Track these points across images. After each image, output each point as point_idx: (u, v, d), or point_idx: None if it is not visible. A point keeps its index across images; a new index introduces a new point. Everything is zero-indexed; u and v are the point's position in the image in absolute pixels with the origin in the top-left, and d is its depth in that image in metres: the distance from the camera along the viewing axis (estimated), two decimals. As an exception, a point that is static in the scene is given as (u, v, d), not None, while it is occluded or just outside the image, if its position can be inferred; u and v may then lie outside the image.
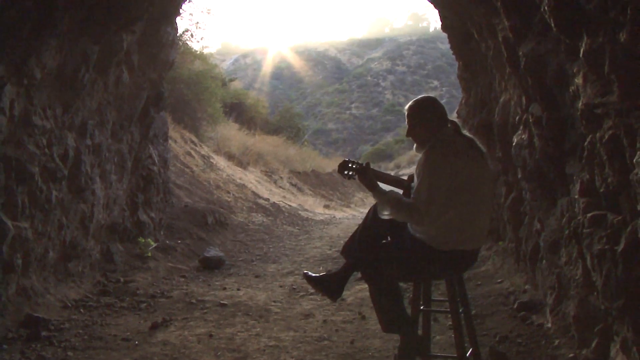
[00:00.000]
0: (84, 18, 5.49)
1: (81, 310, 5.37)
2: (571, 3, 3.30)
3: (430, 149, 3.23)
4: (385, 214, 3.35)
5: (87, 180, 6.08)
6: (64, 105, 5.58)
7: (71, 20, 5.30)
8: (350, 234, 3.78)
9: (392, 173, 3.72)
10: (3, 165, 4.74)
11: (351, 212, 18.57)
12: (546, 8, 3.56)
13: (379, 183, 3.49)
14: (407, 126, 3.50)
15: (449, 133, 3.35)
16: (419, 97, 3.55)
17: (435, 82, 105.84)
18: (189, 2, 11.20)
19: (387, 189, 3.43)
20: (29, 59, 4.89)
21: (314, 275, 3.71)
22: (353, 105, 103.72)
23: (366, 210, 12.95)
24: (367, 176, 3.45)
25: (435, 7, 7.08)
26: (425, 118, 3.38)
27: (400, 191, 3.59)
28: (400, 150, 60.28)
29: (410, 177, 3.59)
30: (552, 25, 3.57)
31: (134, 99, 7.22)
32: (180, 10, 7.78)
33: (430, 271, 3.42)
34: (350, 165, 3.57)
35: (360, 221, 11.57)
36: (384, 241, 3.58)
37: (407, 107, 3.50)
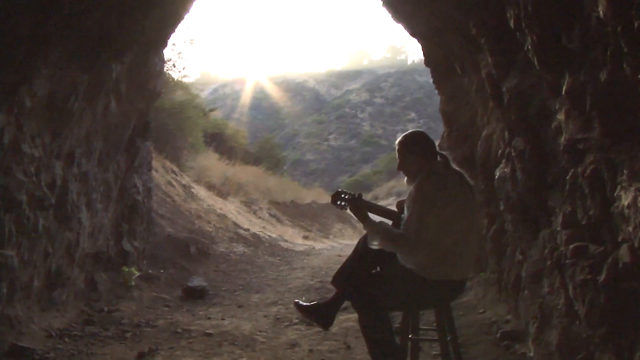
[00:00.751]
0: (75, 47, 5.56)
1: (66, 339, 5.34)
2: (554, 42, 3.46)
3: (421, 182, 3.34)
4: (375, 244, 3.45)
5: (73, 208, 6.10)
6: (52, 133, 5.62)
7: (63, 49, 5.37)
8: (341, 264, 3.86)
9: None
10: (-9, 193, 4.76)
11: (330, 243, 18.61)
12: (530, 47, 3.73)
13: (369, 214, 3.59)
14: (397, 160, 3.61)
15: (438, 167, 3.47)
16: (409, 131, 3.68)
17: (413, 114, 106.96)
18: (173, 32, 11.31)
19: (377, 220, 3.54)
20: (20, 88, 4.94)
21: (305, 304, 3.78)
22: (331, 136, 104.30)
23: (345, 242, 13.00)
24: (358, 207, 3.56)
25: (419, 42, 7.27)
26: (415, 152, 3.51)
27: (390, 222, 3.70)
28: (378, 182, 60.70)
29: (400, 209, 3.69)
30: (536, 62, 3.74)
31: (121, 128, 7.28)
32: (168, 41, 7.86)
33: (420, 301, 3.52)
34: (343, 195, 3.68)
35: (339, 252, 11.64)
36: (374, 271, 3.67)
37: (397, 141, 3.62)
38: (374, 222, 3.49)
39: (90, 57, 5.89)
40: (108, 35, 5.93)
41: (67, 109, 5.71)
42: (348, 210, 3.71)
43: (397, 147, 3.61)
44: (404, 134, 3.68)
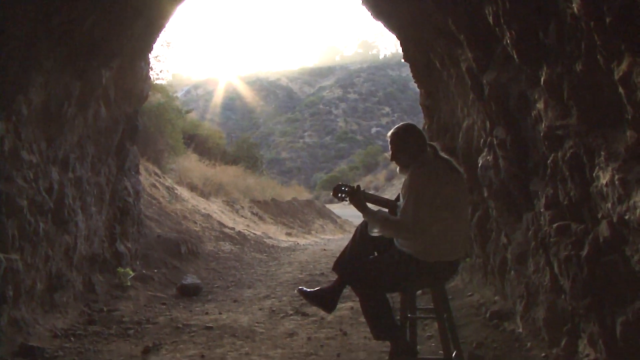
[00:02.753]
0: (67, 55, 5.71)
1: (71, 338, 5.50)
2: (531, 37, 3.73)
3: (413, 172, 3.60)
4: (375, 232, 3.71)
5: (70, 212, 6.25)
6: (48, 139, 5.77)
7: (55, 58, 5.52)
8: (339, 253, 4.09)
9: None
10: (-6, 199, 4.91)
11: (313, 239, 18.84)
12: (508, 41, 3.99)
13: (367, 204, 3.84)
14: (390, 152, 3.86)
15: (429, 156, 3.72)
16: (401, 124, 3.92)
17: (387, 109, 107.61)
18: (158, 37, 11.40)
19: (375, 209, 3.79)
20: (17, 96, 5.09)
21: (309, 290, 4.01)
22: (306, 134, 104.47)
23: (327, 237, 13.29)
24: (358, 198, 3.80)
25: (398, 38, 7.52)
26: (407, 143, 3.75)
27: (387, 210, 3.96)
28: (355, 177, 60.99)
29: (397, 198, 3.94)
30: (515, 56, 4.00)
31: (111, 133, 7.44)
32: (153, 46, 8.02)
33: (417, 281, 3.77)
34: (343, 188, 3.92)
35: (324, 247, 11.92)
36: (372, 256, 3.91)
37: (389, 134, 3.86)
38: (373, 211, 3.75)
39: (82, 65, 6.06)
40: (98, 43, 6.10)
41: (61, 115, 5.87)
42: (348, 202, 3.94)
43: (389, 139, 3.84)
44: (396, 126, 3.92)
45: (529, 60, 3.91)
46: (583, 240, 3.53)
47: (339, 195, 3.94)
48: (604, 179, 3.09)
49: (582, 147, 3.41)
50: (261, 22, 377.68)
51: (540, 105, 3.91)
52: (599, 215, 3.30)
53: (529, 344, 4.52)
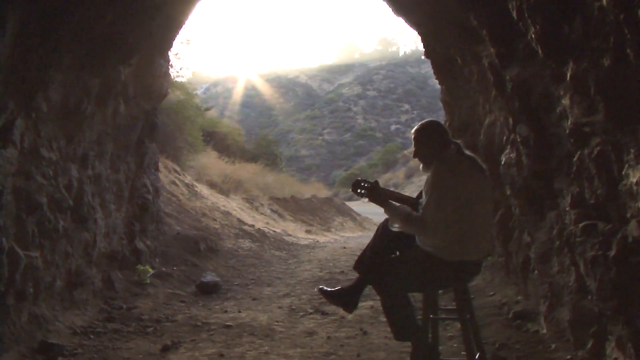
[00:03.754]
0: (85, 53, 5.69)
1: (91, 336, 5.49)
2: (556, 32, 3.63)
3: (437, 169, 3.53)
4: (396, 227, 3.64)
5: (89, 209, 6.25)
6: (67, 137, 5.77)
7: (74, 55, 5.51)
8: (361, 250, 4.03)
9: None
10: (14, 196, 4.89)
11: (332, 237, 18.79)
12: (532, 36, 3.89)
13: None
14: (412, 148, 3.79)
15: (452, 153, 3.65)
16: (424, 121, 3.85)
17: (407, 106, 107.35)
18: (177, 35, 11.39)
19: (396, 205, 3.72)
20: (37, 94, 5.08)
21: (330, 289, 3.96)
22: (325, 131, 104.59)
23: (347, 235, 13.23)
24: (377, 193, 3.74)
25: (419, 34, 7.44)
26: (431, 140, 3.68)
27: (407, 207, 3.88)
28: (374, 175, 60.85)
29: (419, 195, 3.87)
30: (539, 51, 3.90)
31: (130, 130, 7.43)
32: (173, 43, 8.00)
33: (439, 281, 3.69)
34: (362, 184, 3.85)
35: (343, 244, 11.88)
36: (393, 255, 3.84)
37: (413, 130, 3.79)
38: (395, 206, 3.68)
39: (100, 62, 6.03)
40: (116, 39, 6.08)
41: (80, 112, 5.86)
42: (367, 199, 3.87)
43: (413, 136, 3.78)
44: (420, 123, 3.85)
45: (553, 55, 3.81)
46: (610, 240, 3.43)
47: (358, 191, 3.87)
48: (633, 177, 2.99)
49: (610, 144, 3.31)
50: (280, 19, 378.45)
51: (565, 101, 3.82)
52: (628, 215, 3.21)
53: (553, 346, 4.42)
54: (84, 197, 6.13)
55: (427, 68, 8.72)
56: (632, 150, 3.02)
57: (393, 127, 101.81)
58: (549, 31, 3.71)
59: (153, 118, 8.19)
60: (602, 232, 3.54)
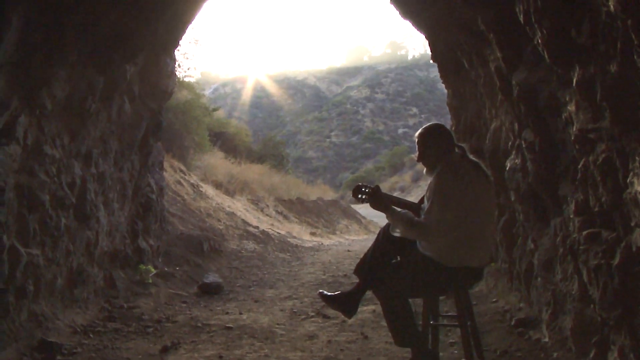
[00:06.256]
0: (90, 50, 5.68)
1: (90, 335, 5.48)
2: (563, 36, 3.58)
3: (440, 173, 3.50)
4: (397, 232, 3.61)
5: (92, 207, 6.24)
6: (71, 134, 5.75)
7: (79, 52, 5.49)
8: (362, 256, 4.00)
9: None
10: (16, 193, 4.88)
11: (337, 239, 18.75)
12: (539, 40, 3.85)
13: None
14: (417, 152, 3.76)
15: (456, 158, 3.62)
16: (428, 124, 3.82)
17: (415, 109, 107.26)
18: (184, 34, 11.42)
19: (398, 210, 3.69)
20: (41, 91, 5.06)
21: (330, 294, 3.93)
22: (333, 133, 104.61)
23: (352, 238, 13.21)
24: (379, 198, 3.70)
25: (426, 37, 7.41)
26: (434, 144, 3.66)
27: (409, 212, 3.85)
28: (381, 178, 60.85)
29: (421, 200, 3.84)
30: (546, 56, 3.85)
31: (135, 129, 7.42)
32: (179, 42, 7.99)
33: (439, 286, 3.66)
34: (363, 189, 3.82)
35: (348, 247, 11.86)
36: (394, 260, 3.81)
37: (417, 134, 3.77)
38: (397, 211, 3.66)
39: (105, 59, 6.02)
40: (122, 37, 6.07)
41: (85, 110, 5.84)
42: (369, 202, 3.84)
43: (417, 140, 3.75)
44: (424, 126, 3.83)
45: (560, 60, 3.76)
46: (614, 248, 3.38)
47: (359, 196, 3.85)
48: (638, 185, 2.94)
49: (615, 152, 3.26)
50: (290, 21, 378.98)
51: (571, 107, 3.77)
52: (632, 223, 3.15)
53: (555, 354, 4.37)
54: (87, 195, 6.12)
55: (436, 72, 8.67)
56: (637, 158, 2.97)
57: (401, 130, 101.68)
58: (555, 36, 3.67)
59: (158, 117, 8.17)
60: (606, 241, 3.49)
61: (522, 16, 4.04)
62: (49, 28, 4.85)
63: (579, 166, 3.81)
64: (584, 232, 3.78)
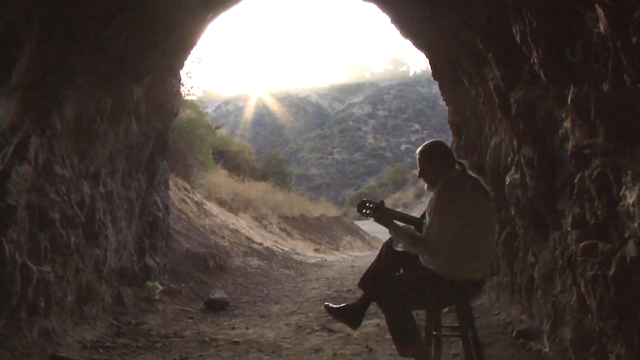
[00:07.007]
0: (99, 72, 5.83)
1: (100, 350, 5.57)
2: (558, 56, 3.73)
3: (441, 190, 3.63)
4: (400, 247, 3.73)
5: (100, 226, 6.36)
6: (80, 154, 5.89)
7: (88, 75, 5.64)
8: (365, 269, 4.12)
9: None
10: (28, 212, 5.01)
11: (341, 255, 18.84)
12: (535, 60, 4.00)
13: (393, 220, 3.87)
14: (418, 168, 3.89)
15: (456, 174, 3.75)
16: (429, 141, 3.96)
17: (417, 126, 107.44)
18: (189, 54, 11.60)
19: (400, 225, 3.82)
20: (51, 112, 5.21)
21: (335, 306, 4.05)
22: (335, 150, 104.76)
23: (355, 254, 13.30)
24: (382, 214, 3.83)
25: (426, 56, 7.56)
26: (435, 160, 3.79)
27: (411, 228, 3.98)
28: (384, 194, 60.85)
29: (422, 215, 3.96)
30: (542, 75, 4.00)
31: (141, 148, 7.57)
32: (185, 63, 8.16)
33: (441, 299, 3.78)
34: (367, 205, 3.95)
35: (351, 263, 11.94)
36: (397, 273, 3.93)
37: (418, 151, 3.90)
38: (399, 226, 3.78)
39: (114, 81, 6.18)
40: (130, 60, 6.22)
41: (93, 130, 5.99)
42: (372, 219, 3.97)
43: (418, 156, 3.88)
44: (425, 143, 3.97)
45: (555, 79, 3.90)
46: (610, 259, 3.49)
47: (364, 211, 3.97)
48: (630, 198, 3.07)
49: (609, 166, 3.39)
50: (292, 38, 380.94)
51: (567, 124, 3.90)
52: (626, 235, 3.27)
53: (555, 365, 4.47)
54: (95, 213, 6.25)
55: (437, 88, 8.81)
56: (629, 172, 3.09)
57: (403, 146, 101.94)
58: (551, 55, 3.82)
59: (164, 136, 8.32)
60: (602, 252, 3.60)
61: (518, 37, 4.19)
62: (60, 51, 4.99)
63: (576, 181, 3.94)
64: (581, 244, 3.89)
